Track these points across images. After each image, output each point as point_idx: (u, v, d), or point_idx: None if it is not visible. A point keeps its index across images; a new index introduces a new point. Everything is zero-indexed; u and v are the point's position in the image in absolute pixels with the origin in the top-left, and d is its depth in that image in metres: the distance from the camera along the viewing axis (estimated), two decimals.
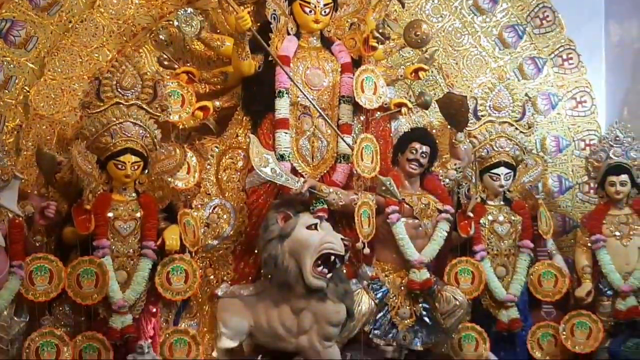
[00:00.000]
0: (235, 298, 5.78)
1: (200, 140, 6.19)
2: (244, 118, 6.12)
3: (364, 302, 5.82)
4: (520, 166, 6.48)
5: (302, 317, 5.52)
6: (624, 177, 6.31)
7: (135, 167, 5.50)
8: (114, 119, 5.44)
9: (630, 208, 6.37)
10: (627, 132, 6.45)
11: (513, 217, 6.32)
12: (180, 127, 6.11)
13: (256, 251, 5.82)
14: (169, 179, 5.77)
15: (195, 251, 5.72)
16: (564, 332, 6.15)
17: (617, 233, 6.30)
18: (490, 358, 6.03)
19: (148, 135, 5.56)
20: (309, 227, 5.53)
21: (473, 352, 6.08)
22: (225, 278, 6.00)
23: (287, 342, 5.59)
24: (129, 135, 5.46)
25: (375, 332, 5.87)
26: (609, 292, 6.22)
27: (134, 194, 5.61)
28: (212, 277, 6.03)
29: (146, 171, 5.64)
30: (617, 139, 6.41)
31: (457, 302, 5.85)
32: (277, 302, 5.61)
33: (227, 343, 5.72)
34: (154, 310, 5.66)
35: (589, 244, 6.33)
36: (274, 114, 5.91)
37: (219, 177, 6.07)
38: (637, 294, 6.16)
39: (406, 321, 5.90)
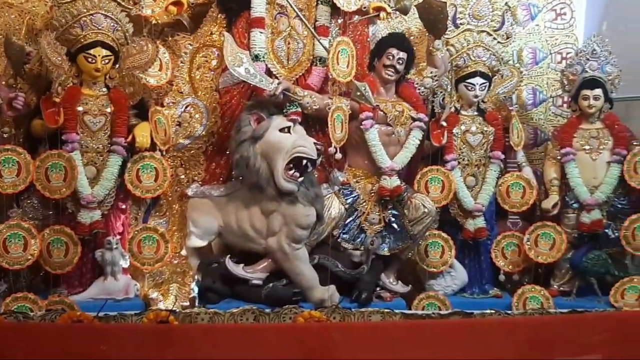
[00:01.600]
0: (205, 198, 5.78)
1: (173, 37, 6.05)
2: (219, 15, 5.97)
3: (334, 207, 5.86)
4: (495, 77, 6.45)
5: (271, 219, 5.55)
6: (598, 91, 6.31)
7: (106, 60, 5.38)
8: (85, 10, 5.29)
9: (601, 123, 6.40)
10: (604, 46, 6.41)
11: (485, 128, 6.33)
12: (153, 22, 5.93)
13: (228, 152, 5.80)
14: (141, 75, 5.67)
15: (166, 150, 5.69)
16: (528, 243, 6.26)
17: (587, 147, 6.35)
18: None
19: (119, 28, 5.42)
20: (281, 130, 5.50)
21: (439, 259, 6.18)
22: (196, 178, 5.99)
23: (256, 243, 5.64)
24: (99, 27, 5.32)
25: (344, 236, 5.94)
26: (574, 204, 6.32)
27: (104, 89, 5.51)
28: (182, 176, 6.03)
29: (117, 66, 5.52)
30: (594, 52, 6.37)
31: (426, 210, 5.91)
32: (247, 203, 5.62)
33: (196, 242, 5.76)
34: (124, 207, 5.66)
35: (559, 157, 6.38)
36: (250, 12, 5.77)
37: (192, 75, 5.97)
38: (601, 208, 6.27)
39: (375, 227, 5.97)
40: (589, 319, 5.56)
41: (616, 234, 6.29)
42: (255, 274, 5.61)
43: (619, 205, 6.34)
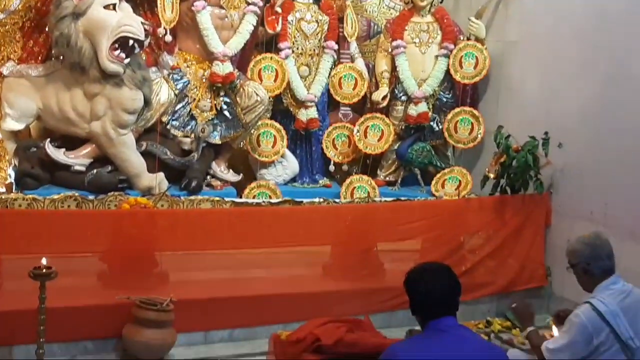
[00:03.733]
0: (22, 78, 5.36)
1: None
2: None
3: (163, 92, 5.65)
4: None
5: (95, 102, 5.26)
6: None
7: None
8: None
9: (432, 16, 6.51)
10: None
11: (320, 17, 6.26)
12: None
13: (47, 29, 5.36)
14: None
15: None
16: (358, 134, 6.37)
17: (417, 40, 6.46)
18: None
19: None
20: (106, 7, 5.14)
21: (270, 148, 6.17)
22: (11, 56, 5.50)
23: (78, 127, 5.34)
24: None
25: (174, 123, 5.76)
26: (403, 97, 6.46)
27: None
28: None
29: None
30: None
31: (259, 98, 5.83)
32: (69, 84, 5.28)
33: (12, 125, 5.36)
34: None
35: (390, 49, 6.46)
36: None
37: None
38: (428, 101, 6.45)
39: (206, 114, 5.83)
40: (411, 207, 5.80)
41: (440, 127, 6.54)
42: (77, 159, 5.34)
43: (444, 99, 6.56)
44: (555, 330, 4.76)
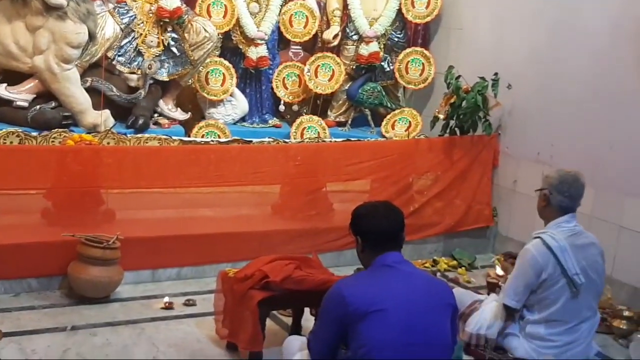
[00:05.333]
0: None
1: None
2: None
3: (109, 26, 5.50)
4: None
5: (38, 35, 5.09)
6: None
7: None
8: None
9: None
10: None
11: None
12: None
13: None
14: None
15: None
16: (308, 73, 6.30)
17: None
18: None
19: None
20: None
21: (219, 87, 6.07)
22: None
23: (20, 62, 5.17)
24: None
25: (119, 58, 5.61)
26: (354, 36, 6.40)
27: None
28: None
29: None
30: None
31: (207, 35, 5.71)
32: (10, 17, 5.09)
33: None
34: None
35: None
36: None
37: None
38: (379, 41, 6.40)
39: (153, 50, 5.69)
40: (360, 147, 5.80)
41: (391, 67, 6.51)
42: (20, 94, 5.19)
43: (396, 39, 6.52)
44: (498, 269, 4.89)
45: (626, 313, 4.53)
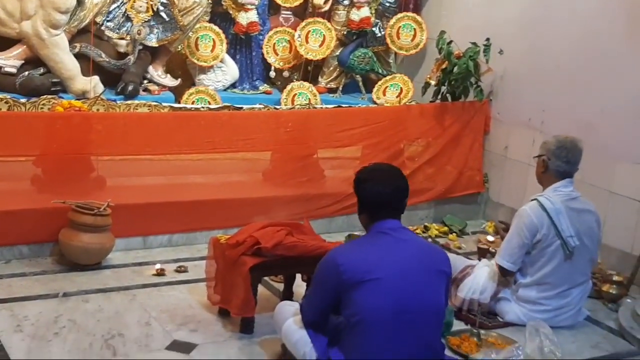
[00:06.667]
0: None
1: None
2: None
3: None
4: None
5: (25, 0, 5.02)
6: None
7: None
8: None
9: None
10: None
11: None
12: None
13: None
14: None
15: None
16: (299, 39, 6.25)
17: None
18: None
19: None
20: None
21: (209, 53, 6.02)
22: None
23: (8, 27, 5.11)
24: None
25: (108, 24, 5.54)
26: (345, 1, 6.34)
27: None
28: None
29: None
30: None
31: (197, 0, 5.65)
32: None
33: None
34: None
35: None
36: None
37: None
38: (370, 6, 6.34)
39: (142, 15, 5.60)
40: (351, 113, 5.78)
41: (382, 33, 6.47)
42: (8, 61, 5.14)
43: (387, 4, 6.48)
44: (489, 235, 4.91)
45: (615, 278, 4.57)
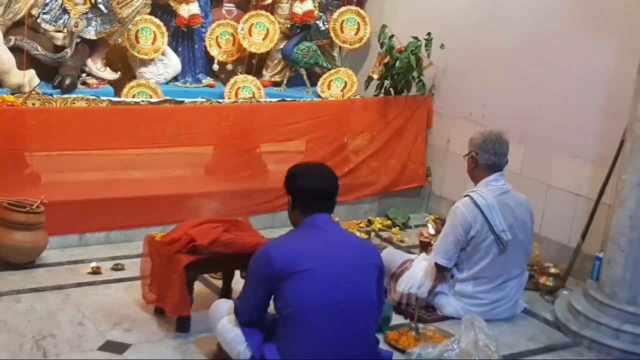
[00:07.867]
0: None
1: None
2: None
3: None
4: None
5: None
6: None
7: None
8: None
9: None
10: None
11: None
12: None
13: None
14: None
15: None
16: (242, 32, 6.18)
17: None
18: None
19: None
20: None
21: (150, 45, 5.91)
22: None
23: None
24: None
25: (44, 16, 5.41)
26: None
27: None
28: None
29: None
30: None
31: None
32: None
33: None
34: None
35: None
36: None
37: None
38: None
39: (79, 7, 5.48)
40: (295, 107, 5.74)
41: (326, 26, 6.44)
42: None
43: None
44: (431, 228, 4.94)
45: (552, 270, 4.63)
